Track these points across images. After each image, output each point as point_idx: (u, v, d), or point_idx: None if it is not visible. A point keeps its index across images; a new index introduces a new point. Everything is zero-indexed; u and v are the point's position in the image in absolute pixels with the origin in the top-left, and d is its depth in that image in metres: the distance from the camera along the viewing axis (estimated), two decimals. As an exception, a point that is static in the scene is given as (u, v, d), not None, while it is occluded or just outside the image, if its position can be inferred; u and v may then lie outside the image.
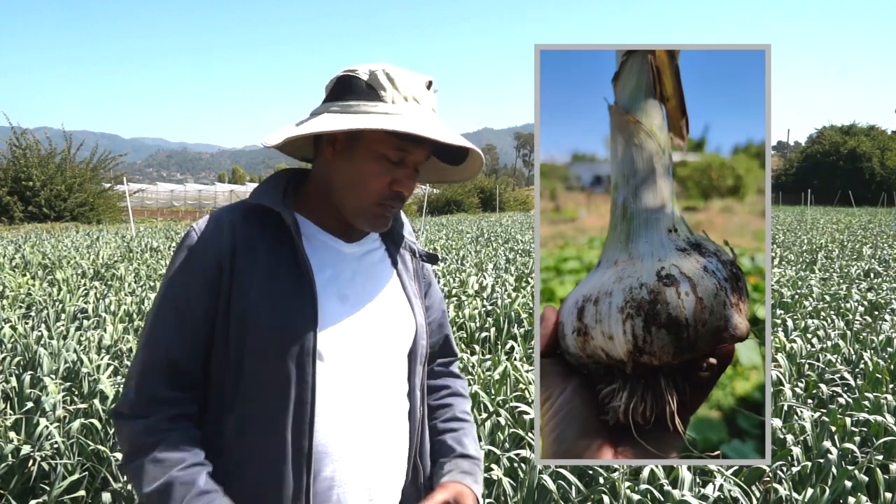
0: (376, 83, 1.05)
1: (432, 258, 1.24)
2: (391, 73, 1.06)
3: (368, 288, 1.13)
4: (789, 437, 2.89)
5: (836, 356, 4.30)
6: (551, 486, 2.43)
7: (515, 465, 2.65)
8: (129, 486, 2.51)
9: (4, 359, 3.84)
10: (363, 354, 1.08)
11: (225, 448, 1.04)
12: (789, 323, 5.18)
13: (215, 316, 1.05)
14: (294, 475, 1.02)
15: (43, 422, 2.83)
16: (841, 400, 3.53)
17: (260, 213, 1.10)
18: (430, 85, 1.10)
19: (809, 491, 2.42)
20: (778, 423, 2.98)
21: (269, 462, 1.02)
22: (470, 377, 3.65)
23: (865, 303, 6.35)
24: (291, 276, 1.06)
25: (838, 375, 3.96)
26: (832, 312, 5.89)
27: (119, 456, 2.60)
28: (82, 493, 2.60)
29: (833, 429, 3.02)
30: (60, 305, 5.53)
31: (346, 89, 1.07)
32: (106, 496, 2.48)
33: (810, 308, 6.04)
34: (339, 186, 1.09)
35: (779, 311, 5.87)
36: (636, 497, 2.36)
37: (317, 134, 1.06)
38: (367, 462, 1.08)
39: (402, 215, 1.26)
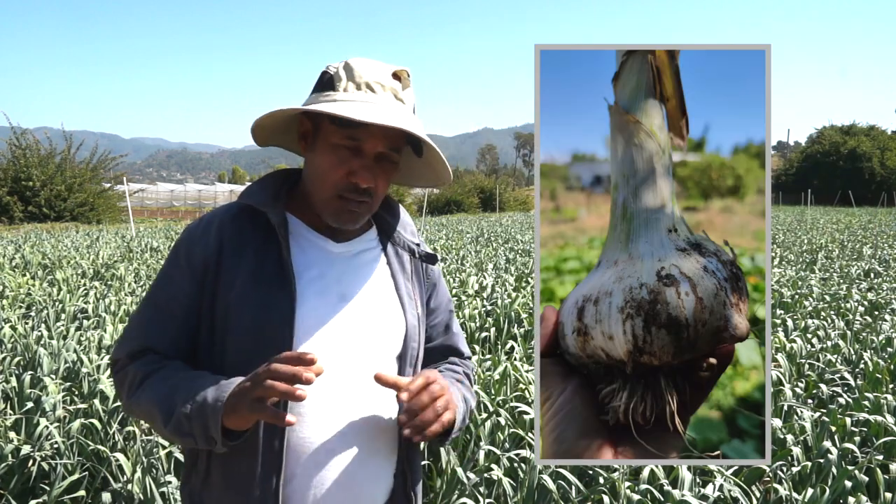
0: (335, 75, 1.07)
1: (431, 258, 1.23)
2: (351, 64, 1.07)
3: (356, 287, 1.13)
4: (789, 437, 2.89)
5: (836, 356, 4.30)
6: (551, 486, 2.43)
7: (515, 465, 2.65)
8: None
9: (4, 359, 3.84)
10: (345, 354, 1.07)
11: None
12: (789, 323, 5.18)
13: (200, 313, 1.08)
14: (263, 475, 1.02)
15: (43, 422, 2.83)
16: (841, 400, 3.53)
17: (250, 214, 1.11)
18: (406, 75, 1.10)
19: (809, 491, 2.42)
20: (778, 423, 2.98)
21: (240, 460, 1.03)
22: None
23: (865, 303, 6.34)
24: (273, 276, 1.07)
25: (838, 375, 3.96)
26: (832, 312, 5.89)
27: (119, 456, 2.60)
28: (82, 493, 2.60)
29: (833, 429, 3.02)
30: (60, 305, 5.53)
31: (316, 85, 1.10)
32: (106, 496, 2.48)
33: (810, 308, 6.04)
34: (308, 181, 1.11)
35: (779, 311, 5.87)
36: (636, 497, 2.36)
37: (261, 125, 1.09)
38: (346, 466, 1.07)
39: (405, 215, 1.26)
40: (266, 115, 1.08)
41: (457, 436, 1.16)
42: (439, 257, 9.80)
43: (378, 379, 1.03)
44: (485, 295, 6.47)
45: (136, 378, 1.04)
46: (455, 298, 6.08)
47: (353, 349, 1.08)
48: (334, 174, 1.06)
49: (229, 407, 0.95)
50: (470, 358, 1.34)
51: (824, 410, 3.33)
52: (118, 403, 3.12)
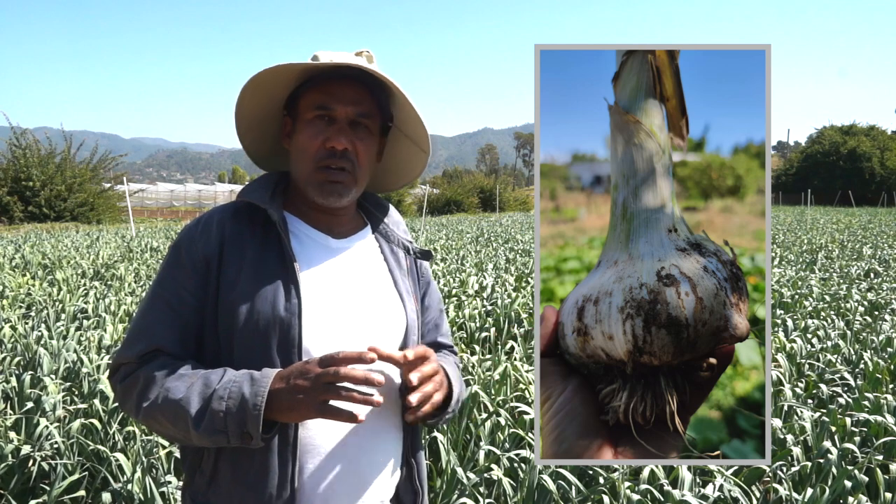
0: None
1: (426, 255, 1.26)
2: (316, 53, 1.13)
3: (356, 283, 1.14)
4: (789, 437, 2.89)
5: (836, 356, 4.30)
6: (551, 486, 2.43)
7: (515, 465, 2.65)
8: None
9: (4, 359, 3.84)
10: (350, 347, 1.08)
11: None
12: (789, 323, 5.18)
13: (204, 310, 1.08)
14: (279, 465, 1.03)
15: (43, 422, 2.83)
16: (841, 400, 3.53)
17: (249, 211, 1.13)
18: (369, 53, 1.15)
19: (809, 491, 2.42)
20: (778, 423, 2.98)
21: (252, 456, 1.04)
22: (470, 377, 3.65)
23: (865, 303, 6.34)
24: (276, 271, 1.08)
25: (838, 375, 3.96)
26: (832, 312, 5.89)
27: (119, 456, 2.60)
28: (82, 493, 2.60)
29: (833, 429, 3.02)
30: (60, 305, 5.53)
31: None
32: (106, 496, 2.48)
33: (810, 308, 6.04)
34: (293, 167, 1.15)
35: (779, 311, 5.87)
36: (636, 497, 2.36)
37: (239, 115, 1.15)
38: (354, 457, 1.08)
39: (396, 214, 1.29)
40: (242, 107, 1.14)
41: (451, 416, 1.18)
42: (439, 257, 9.84)
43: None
44: (485, 295, 6.46)
45: (150, 381, 1.03)
46: (455, 298, 6.08)
47: (358, 342, 1.09)
48: (312, 145, 1.10)
49: (286, 405, 0.96)
50: (457, 354, 1.37)
51: (824, 410, 3.33)
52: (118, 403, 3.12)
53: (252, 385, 0.97)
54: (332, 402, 0.96)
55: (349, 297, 1.12)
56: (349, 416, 0.95)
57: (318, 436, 1.06)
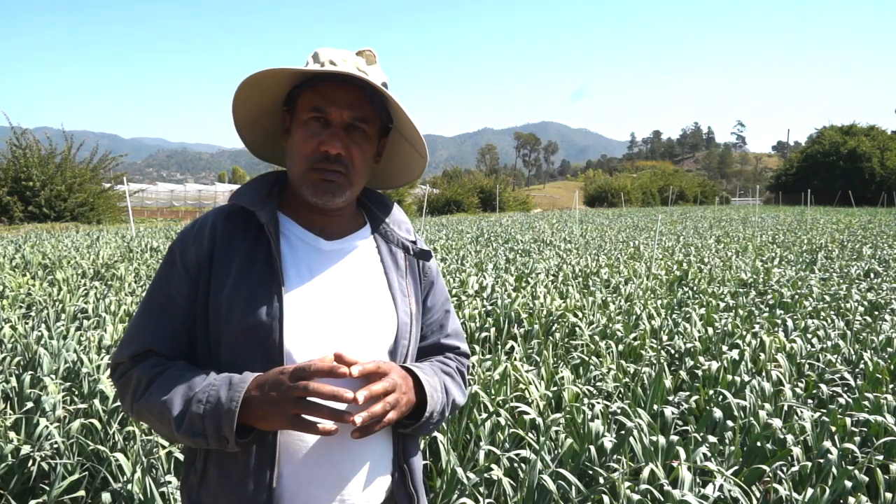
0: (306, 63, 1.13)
1: (425, 254, 1.24)
2: (317, 50, 1.13)
3: (346, 284, 1.14)
4: (789, 437, 2.89)
5: (836, 356, 4.30)
6: (551, 486, 2.43)
7: (515, 465, 2.65)
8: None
9: (4, 359, 3.84)
10: (332, 351, 1.06)
11: None
12: (789, 323, 5.18)
13: (195, 314, 1.09)
14: (259, 468, 1.03)
15: (43, 422, 2.83)
16: (841, 400, 3.53)
17: (242, 215, 1.13)
18: (370, 53, 1.15)
19: (809, 491, 2.42)
20: (778, 423, 2.98)
21: (235, 457, 1.04)
22: (470, 377, 3.65)
23: (865, 303, 6.34)
24: (262, 275, 1.08)
25: (838, 375, 3.96)
26: (832, 312, 5.89)
27: (119, 456, 2.60)
28: (82, 493, 2.60)
29: (833, 429, 3.02)
30: (60, 305, 5.53)
31: None
32: (106, 496, 2.48)
33: (810, 308, 6.04)
34: (288, 166, 1.15)
35: (779, 311, 5.87)
36: (636, 497, 2.36)
37: (236, 112, 1.16)
38: (338, 463, 1.07)
39: (399, 213, 1.27)
40: (239, 106, 1.14)
41: (435, 427, 1.15)
42: (439, 257, 9.82)
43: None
44: (485, 295, 6.46)
45: (141, 381, 1.05)
46: (455, 298, 6.07)
47: (342, 345, 1.08)
48: (306, 147, 1.09)
49: (259, 413, 0.97)
50: (468, 356, 1.33)
51: (824, 410, 3.33)
52: (118, 403, 3.12)
53: (229, 390, 0.98)
54: (303, 416, 0.96)
55: (334, 300, 1.11)
56: (320, 430, 0.95)
57: (301, 440, 1.06)
